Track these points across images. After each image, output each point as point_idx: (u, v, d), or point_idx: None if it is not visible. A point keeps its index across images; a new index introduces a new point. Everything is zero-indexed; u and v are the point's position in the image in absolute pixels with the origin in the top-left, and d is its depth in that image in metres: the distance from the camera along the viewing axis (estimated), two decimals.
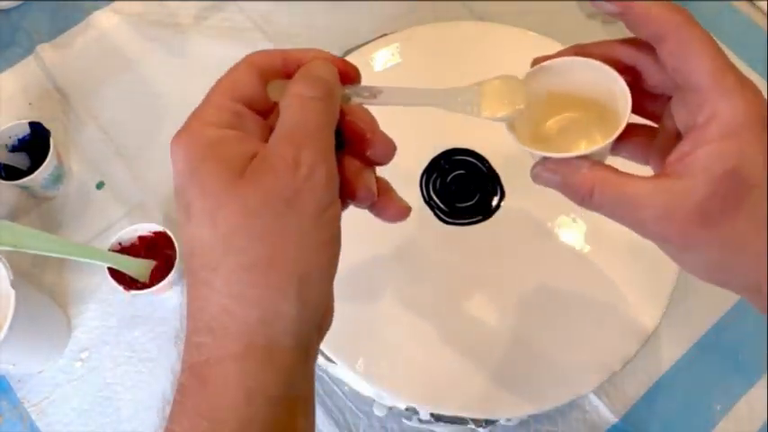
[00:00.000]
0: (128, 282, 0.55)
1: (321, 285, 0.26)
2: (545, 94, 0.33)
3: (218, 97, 0.28)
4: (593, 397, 0.56)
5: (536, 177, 0.32)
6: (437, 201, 0.51)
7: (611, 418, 0.55)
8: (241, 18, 0.71)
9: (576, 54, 0.31)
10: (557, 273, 0.50)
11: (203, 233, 0.25)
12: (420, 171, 0.53)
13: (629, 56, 0.30)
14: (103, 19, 0.71)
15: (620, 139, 0.29)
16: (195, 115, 0.28)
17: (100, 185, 0.64)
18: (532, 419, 0.55)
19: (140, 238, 0.57)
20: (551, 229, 0.51)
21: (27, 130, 0.60)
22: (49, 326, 0.56)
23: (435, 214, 0.51)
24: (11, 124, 0.59)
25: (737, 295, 0.62)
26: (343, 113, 0.28)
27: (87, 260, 0.52)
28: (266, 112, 0.28)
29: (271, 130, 0.27)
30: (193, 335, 0.25)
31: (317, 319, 0.26)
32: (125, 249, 0.56)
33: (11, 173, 0.60)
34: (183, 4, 0.72)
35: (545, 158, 0.31)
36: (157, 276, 0.56)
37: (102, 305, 0.59)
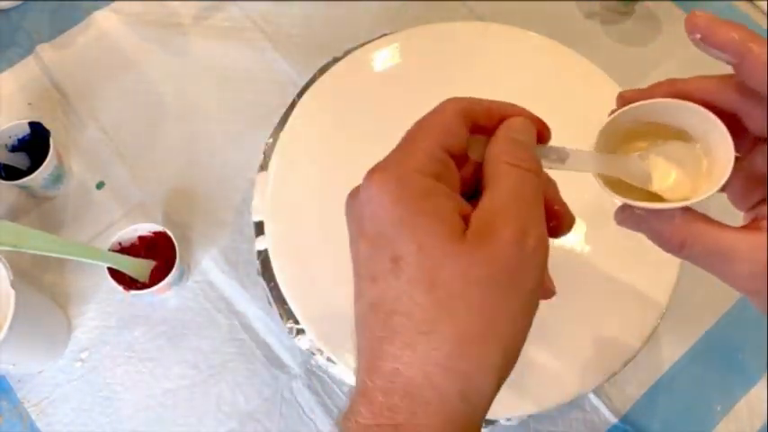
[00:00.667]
0: (128, 282, 0.55)
1: (518, 353, 0.25)
2: (628, 127, 0.32)
3: (429, 144, 0.25)
4: (593, 397, 0.56)
5: (621, 223, 0.31)
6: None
7: (611, 418, 0.55)
8: (241, 18, 0.71)
9: (670, 90, 0.29)
10: (556, 273, 0.49)
11: (417, 293, 0.23)
12: None
13: (730, 101, 0.27)
14: (103, 19, 0.71)
15: None
16: (403, 160, 0.25)
17: (100, 185, 0.64)
18: (532, 419, 0.55)
19: (140, 238, 0.57)
20: None
21: (27, 130, 0.60)
22: (49, 326, 0.56)
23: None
24: (11, 124, 0.59)
25: (737, 295, 0.62)
26: None
27: (87, 260, 0.52)
28: (460, 162, 0.27)
29: (460, 183, 0.26)
30: (384, 395, 0.23)
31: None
32: (125, 249, 0.56)
33: (11, 173, 0.60)
34: (183, 4, 0.72)
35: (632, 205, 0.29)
36: (157, 276, 0.56)
37: (102, 305, 0.59)
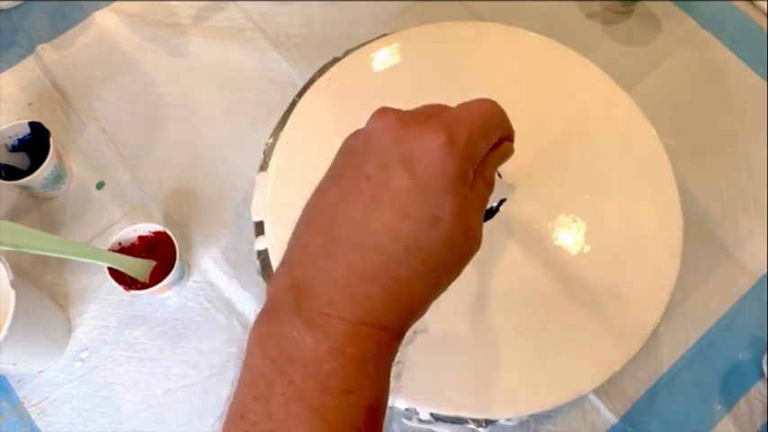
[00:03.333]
0: (128, 282, 0.55)
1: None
2: None
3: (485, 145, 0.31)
4: (593, 397, 0.56)
5: None
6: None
7: (611, 418, 0.55)
8: (241, 18, 0.71)
9: None
10: (557, 273, 0.50)
11: (441, 253, 0.29)
12: None
13: None
14: (103, 19, 0.71)
15: None
16: (469, 143, 0.29)
17: (100, 185, 0.64)
18: (532, 419, 0.55)
19: (140, 238, 0.57)
20: (551, 230, 0.51)
21: (27, 130, 0.60)
22: (49, 326, 0.56)
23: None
24: (11, 124, 0.59)
25: (737, 295, 0.62)
26: None
27: (87, 260, 0.52)
28: None
29: None
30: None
31: None
32: (125, 249, 0.56)
33: (11, 173, 0.60)
34: (183, 4, 0.72)
35: None
36: (157, 276, 0.56)
37: (102, 305, 0.59)
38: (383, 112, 0.30)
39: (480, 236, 0.30)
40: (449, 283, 0.30)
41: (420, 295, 0.28)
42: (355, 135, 0.31)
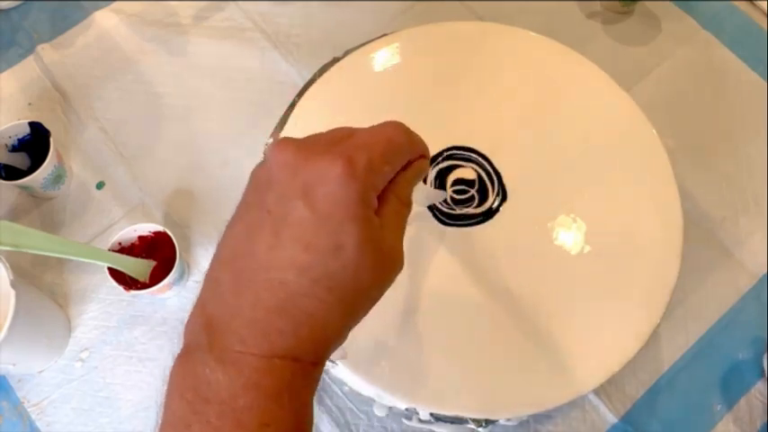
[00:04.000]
0: (128, 282, 0.55)
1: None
2: None
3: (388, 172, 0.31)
4: (593, 397, 0.56)
5: None
6: (435, 202, 0.51)
7: (611, 418, 0.55)
8: (241, 18, 0.71)
9: None
10: (557, 273, 0.50)
11: (347, 277, 0.28)
12: None
13: None
14: (103, 19, 0.71)
15: None
16: (369, 166, 0.30)
17: (100, 185, 0.64)
18: (532, 419, 0.55)
19: (140, 238, 0.57)
20: (551, 230, 0.51)
21: (27, 130, 0.60)
22: (49, 326, 0.56)
23: (434, 216, 0.51)
24: (11, 124, 0.59)
25: (737, 295, 0.62)
26: None
27: (87, 260, 0.52)
28: None
29: None
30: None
31: None
32: (125, 249, 0.56)
33: (11, 173, 0.60)
34: (183, 4, 0.72)
35: None
36: (157, 276, 0.56)
37: (102, 305, 0.59)
38: (282, 143, 0.29)
39: (400, 256, 0.30)
40: (368, 308, 0.30)
41: (333, 324, 0.28)
42: (259, 167, 0.31)
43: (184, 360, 0.29)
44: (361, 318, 0.30)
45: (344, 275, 0.28)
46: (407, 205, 0.32)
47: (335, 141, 0.30)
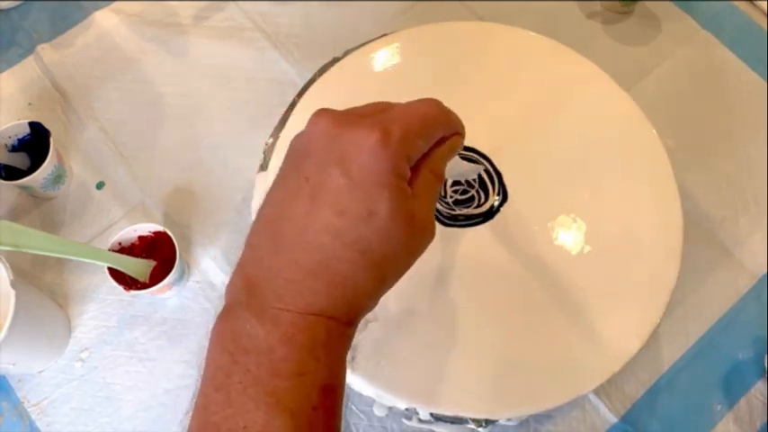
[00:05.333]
0: (128, 282, 0.55)
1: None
2: None
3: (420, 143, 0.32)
4: (593, 397, 0.56)
5: None
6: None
7: (611, 418, 0.55)
8: (241, 18, 0.71)
9: None
10: (557, 273, 0.50)
11: (379, 244, 0.30)
12: None
13: None
14: (103, 19, 0.71)
15: None
16: (403, 141, 0.31)
17: (100, 185, 0.64)
18: (532, 419, 0.55)
19: (140, 238, 0.57)
20: (552, 230, 0.51)
21: (27, 130, 0.60)
22: (49, 326, 0.56)
23: (434, 216, 0.51)
24: (11, 124, 0.59)
25: (737, 295, 0.62)
26: None
27: (87, 260, 0.52)
28: None
29: None
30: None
31: None
32: (125, 249, 0.56)
33: (11, 173, 0.60)
34: (183, 4, 0.72)
35: None
36: (157, 276, 0.56)
37: (102, 305, 0.59)
38: (320, 113, 0.31)
39: (431, 225, 0.32)
40: (399, 274, 0.31)
41: (364, 287, 0.30)
42: (298, 137, 0.32)
43: (226, 317, 0.30)
44: (392, 283, 0.31)
45: (376, 240, 0.29)
46: (440, 178, 0.33)
47: (373, 114, 0.31)
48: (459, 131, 0.34)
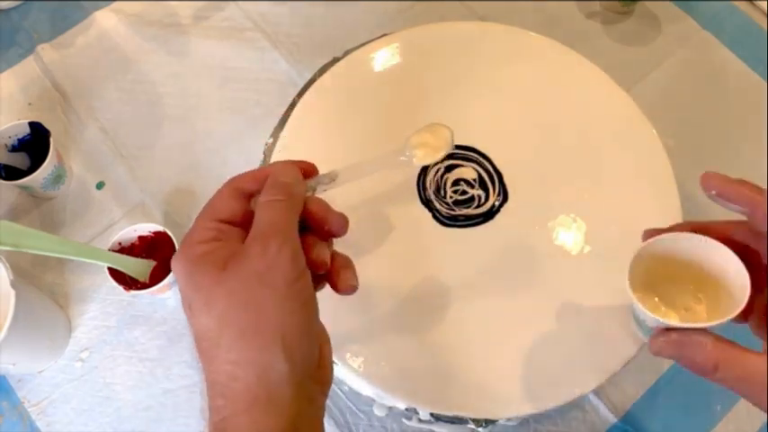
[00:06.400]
0: (128, 282, 0.55)
1: (303, 341, 0.30)
2: (652, 262, 0.37)
3: (201, 221, 0.33)
4: (593, 397, 0.56)
5: (659, 352, 0.34)
6: (435, 203, 0.51)
7: (611, 418, 0.55)
8: (241, 18, 0.71)
9: (693, 230, 0.34)
10: (557, 273, 0.50)
11: (202, 320, 0.30)
12: (417, 170, 0.52)
13: (745, 240, 0.33)
14: (103, 19, 0.71)
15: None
16: (186, 240, 0.33)
17: (100, 185, 0.64)
18: (532, 419, 0.55)
19: (140, 238, 0.57)
20: (552, 230, 0.51)
21: (27, 130, 0.60)
22: (49, 326, 0.56)
23: (435, 217, 0.51)
24: (11, 124, 0.59)
25: None
26: (306, 204, 0.34)
27: (87, 260, 0.52)
28: (249, 223, 0.33)
29: None
30: (212, 400, 0.30)
31: (311, 371, 0.31)
32: (125, 249, 0.56)
33: (11, 173, 0.60)
34: (183, 4, 0.72)
35: (667, 331, 0.34)
36: (157, 276, 0.56)
37: (102, 305, 0.59)
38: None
39: (292, 263, 0.31)
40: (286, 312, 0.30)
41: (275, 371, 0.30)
42: None
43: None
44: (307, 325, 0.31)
45: (212, 324, 0.30)
46: (280, 200, 0.33)
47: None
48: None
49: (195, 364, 0.57)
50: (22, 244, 0.46)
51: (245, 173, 0.35)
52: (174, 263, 0.32)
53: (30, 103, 0.67)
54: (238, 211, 0.33)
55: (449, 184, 0.52)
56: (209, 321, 0.29)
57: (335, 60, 0.58)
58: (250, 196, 0.34)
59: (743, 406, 0.56)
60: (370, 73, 0.56)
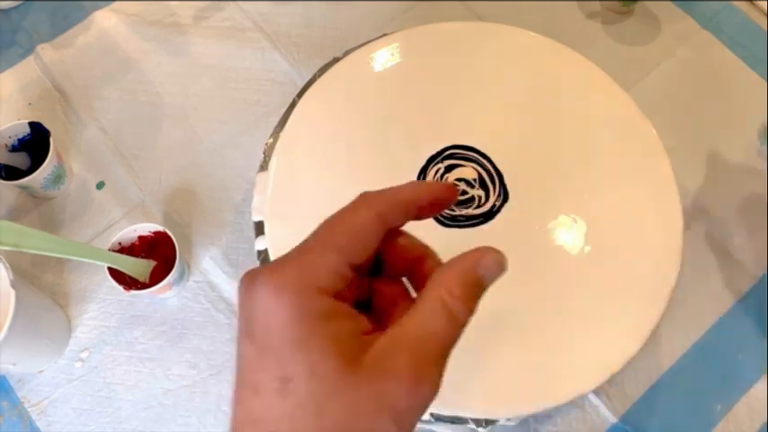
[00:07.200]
0: (128, 282, 0.55)
1: None
2: None
3: (334, 259, 0.23)
4: (593, 397, 0.56)
5: None
6: None
7: (611, 418, 0.55)
8: (241, 18, 0.71)
9: None
10: (557, 273, 0.50)
11: (303, 419, 0.21)
12: (417, 170, 0.52)
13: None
14: (103, 19, 0.71)
15: None
16: (304, 273, 0.23)
17: (100, 185, 0.64)
18: (532, 419, 0.55)
19: (140, 238, 0.57)
20: (552, 230, 0.51)
21: (27, 130, 0.60)
22: (49, 326, 0.56)
23: (435, 217, 0.51)
24: (11, 124, 0.59)
25: (737, 296, 0.62)
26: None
27: (87, 260, 0.52)
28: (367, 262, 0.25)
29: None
30: None
31: None
32: (125, 249, 0.56)
33: (11, 173, 0.60)
34: (183, 4, 0.72)
35: None
36: (157, 276, 0.56)
37: (102, 305, 0.59)
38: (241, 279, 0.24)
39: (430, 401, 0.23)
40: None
41: None
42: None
43: None
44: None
45: (309, 416, 0.21)
46: (461, 323, 0.26)
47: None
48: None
49: (195, 364, 0.57)
50: (22, 244, 0.46)
51: (389, 197, 0.26)
52: (277, 300, 0.22)
53: (30, 103, 0.67)
54: (373, 251, 0.25)
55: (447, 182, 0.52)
56: (313, 428, 0.21)
57: (335, 60, 0.58)
58: (388, 229, 0.26)
59: (743, 406, 0.56)
60: (370, 73, 0.56)
